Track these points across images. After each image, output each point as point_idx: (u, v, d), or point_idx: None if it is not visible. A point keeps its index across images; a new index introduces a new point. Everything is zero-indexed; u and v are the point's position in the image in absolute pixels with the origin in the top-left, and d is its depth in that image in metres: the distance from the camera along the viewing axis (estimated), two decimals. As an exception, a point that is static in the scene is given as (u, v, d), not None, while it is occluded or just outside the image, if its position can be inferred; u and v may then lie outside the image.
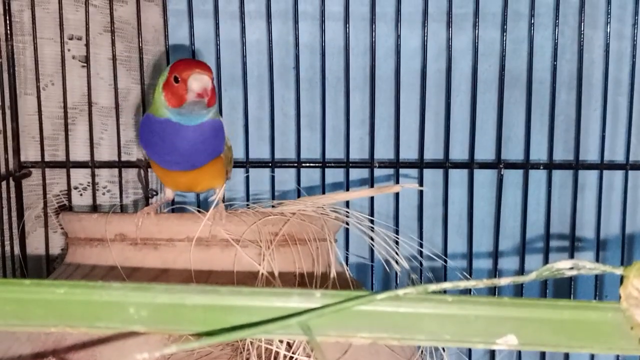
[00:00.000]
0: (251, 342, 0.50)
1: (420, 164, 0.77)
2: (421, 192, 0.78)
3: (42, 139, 0.72)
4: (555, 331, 0.26)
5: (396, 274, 0.73)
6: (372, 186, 0.77)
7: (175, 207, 0.75)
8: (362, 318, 0.26)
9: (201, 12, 0.78)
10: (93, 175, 0.74)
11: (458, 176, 0.81)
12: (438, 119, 0.80)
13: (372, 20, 0.75)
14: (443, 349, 0.60)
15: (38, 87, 0.71)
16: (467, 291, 0.72)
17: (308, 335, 0.26)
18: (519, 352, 0.82)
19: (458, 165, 0.78)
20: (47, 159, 0.73)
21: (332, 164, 0.77)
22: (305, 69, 0.79)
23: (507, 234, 0.82)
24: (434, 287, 0.26)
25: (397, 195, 0.78)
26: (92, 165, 0.73)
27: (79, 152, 0.74)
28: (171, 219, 0.57)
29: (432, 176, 0.80)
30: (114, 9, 0.71)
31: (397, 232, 0.75)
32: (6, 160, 0.71)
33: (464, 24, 0.79)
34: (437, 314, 0.26)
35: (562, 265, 0.26)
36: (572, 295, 0.80)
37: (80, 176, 0.75)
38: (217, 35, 0.74)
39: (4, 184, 0.70)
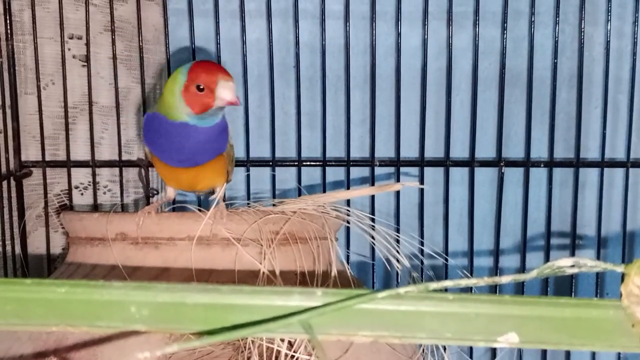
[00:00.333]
0: (252, 341, 0.50)
1: (420, 163, 0.77)
2: (422, 190, 0.78)
3: (42, 138, 0.72)
4: (556, 329, 0.26)
5: (397, 272, 0.73)
6: (372, 185, 0.77)
7: (176, 206, 0.75)
8: (363, 316, 0.26)
9: (201, 11, 0.78)
10: (94, 175, 0.74)
11: (459, 174, 0.81)
12: (438, 117, 0.80)
13: (373, 19, 0.75)
14: (444, 347, 0.60)
15: (38, 87, 0.71)
16: (468, 289, 0.72)
17: (309, 334, 0.26)
18: (520, 350, 0.82)
19: (459, 163, 0.78)
20: (47, 158, 0.73)
21: (333, 163, 0.77)
22: (306, 67, 0.79)
23: (508, 232, 0.82)
24: (435, 285, 0.26)
25: (397, 193, 0.78)
26: (93, 164, 0.73)
27: (80, 152, 0.74)
28: (172, 218, 0.57)
29: (433, 174, 0.80)
30: (114, 8, 0.71)
31: (398, 230, 0.75)
32: (7, 159, 0.71)
33: (464, 23, 0.79)
34: (438, 312, 0.26)
35: (563, 263, 0.26)
36: (573, 293, 0.80)
37: (81, 175, 0.75)
38: (217, 34, 0.74)
39: (4, 183, 0.70)
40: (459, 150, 0.81)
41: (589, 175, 0.81)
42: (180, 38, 0.78)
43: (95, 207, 0.74)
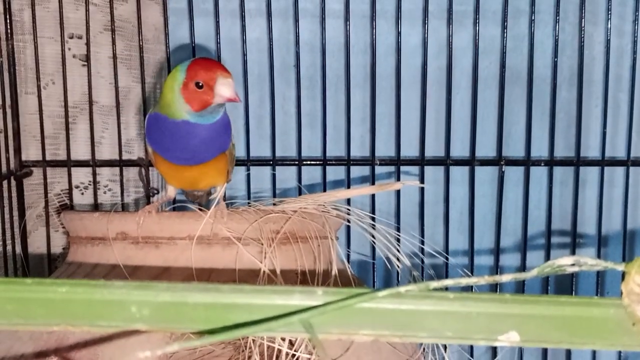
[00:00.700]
0: (253, 340, 0.51)
1: (421, 161, 0.77)
2: (422, 189, 0.78)
3: (43, 138, 0.72)
4: (557, 327, 0.26)
5: (397, 271, 0.73)
6: (373, 184, 0.77)
7: (177, 206, 0.75)
8: (364, 315, 0.26)
9: (201, 10, 0.78)
10: (94, 174, 0.74)
11: (459, 173, 0.81)
12: (439, 116, 0.80)
13: (373, 18, 0.75)
14: (445, 346, 0.60)
15: (39, 86, 0.71)
16: (468, 288, 0.72)
17: (310, 333, 0.26)
18: (521, 349, 0.82)
19: (459, 162, 0.78)
20: (48, 158, 0.73)
21: (333, 162, 0.77)
22: (306, 67, 0.79)
23: (509, 231, 0.82)
24: (435, 284, 0.26)
25: (398, 192, 0.78)
26: (93, 164, 0.73)
27: (80, 151, 0.74)
28: (172, 217, 0.57)
29: (433, 173, 0.80)
30: (114, 8, 0.71)
31: (398, 229, 0.75)
32: (7, 159, 0.71)
33: (464, 21, 0.78)
34: (438, 311, 0.26)
35: (564, 262, 0.26)
36: (573, 292, 0.80)
37: (81, 175, 0.75)
38: (217, 33, 0.74)
39: (5, 183, 0.70)
40: (459, 149, 0.81)
41: (590, 174, 0.81)
42: (180, 37, 0.78)
43: (96, 207, 0.74)
